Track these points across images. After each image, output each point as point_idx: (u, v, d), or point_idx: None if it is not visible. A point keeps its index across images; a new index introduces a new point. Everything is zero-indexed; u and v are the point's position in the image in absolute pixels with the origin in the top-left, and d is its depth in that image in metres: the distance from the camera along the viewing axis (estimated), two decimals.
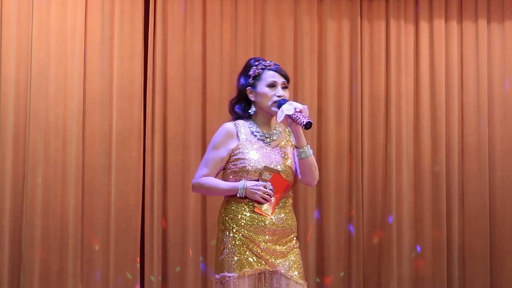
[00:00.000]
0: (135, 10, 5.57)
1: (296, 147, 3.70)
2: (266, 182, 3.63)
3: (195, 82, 5.64)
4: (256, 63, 3.83)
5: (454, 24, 5.96)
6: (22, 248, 5.27)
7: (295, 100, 5.66)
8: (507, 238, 5.90)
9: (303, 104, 3.66)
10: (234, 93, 3.74)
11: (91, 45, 5.48)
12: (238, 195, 3.66)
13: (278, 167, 3.70)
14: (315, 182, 3.79)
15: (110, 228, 5.44)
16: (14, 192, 5.30)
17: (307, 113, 3.63)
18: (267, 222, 3.68)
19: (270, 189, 3.63)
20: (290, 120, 3.62)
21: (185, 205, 5.56)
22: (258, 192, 3.63)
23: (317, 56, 5.83)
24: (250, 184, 3.64)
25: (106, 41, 5.50)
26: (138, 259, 5.48)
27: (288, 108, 3.62)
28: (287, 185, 3.67)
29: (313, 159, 3.71)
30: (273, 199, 3.64)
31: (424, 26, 5.93)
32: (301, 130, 3.64)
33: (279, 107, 3.67)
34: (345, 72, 5.84)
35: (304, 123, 3.57)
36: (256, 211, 3.65)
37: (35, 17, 5.37)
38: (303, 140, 3.67)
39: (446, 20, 5.96)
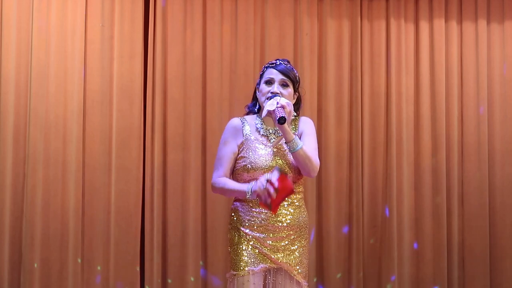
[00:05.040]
0: (135, 10, 5.58)
1: (285, 142, 3.69)
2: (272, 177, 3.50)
3: (195, 82, 5.64)
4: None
5: (454, 24, 5.96)
6: (22, 248, 5.28)
7: None
8: (507, 238, 5.90)
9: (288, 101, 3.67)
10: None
11: (91, 45, 5.48)
12: (247, 197, 3.63)
13: (286, 168, 3.70)
14: (314, 174, 3.76)
15: (110, 228, 5.44)
16: (14, 192, 5.30)
17: (290, 109, 3.64)
18: (272, 221, 3.71)
19: (272, 184, 3.49)
20: (273, 115, 3.62)
21: (185, 205, 5.56)
22: (260, 189, 3.52)
23: (317, 56, 5.83)
24: (256, 184, 3.56)
25: (106, 41, 5.50)
26: (138, 259, 5.49)
27: (271, 104, 3.63)
28: (290, 189, 3.55)
29: (304, 152, 3.68)
30: (274, 195, 3.50)
31: (424, 25, 5.94)
32: (285, 125, 3.62)
33: None
34: (345, 72, 5.84)
35: (277, 118, 3.57)
36: (261, 205, 3.60)
37: (35, 17, 5.37)
38: (289, 135, 3.65)
39: (446, 20, 5.97)
